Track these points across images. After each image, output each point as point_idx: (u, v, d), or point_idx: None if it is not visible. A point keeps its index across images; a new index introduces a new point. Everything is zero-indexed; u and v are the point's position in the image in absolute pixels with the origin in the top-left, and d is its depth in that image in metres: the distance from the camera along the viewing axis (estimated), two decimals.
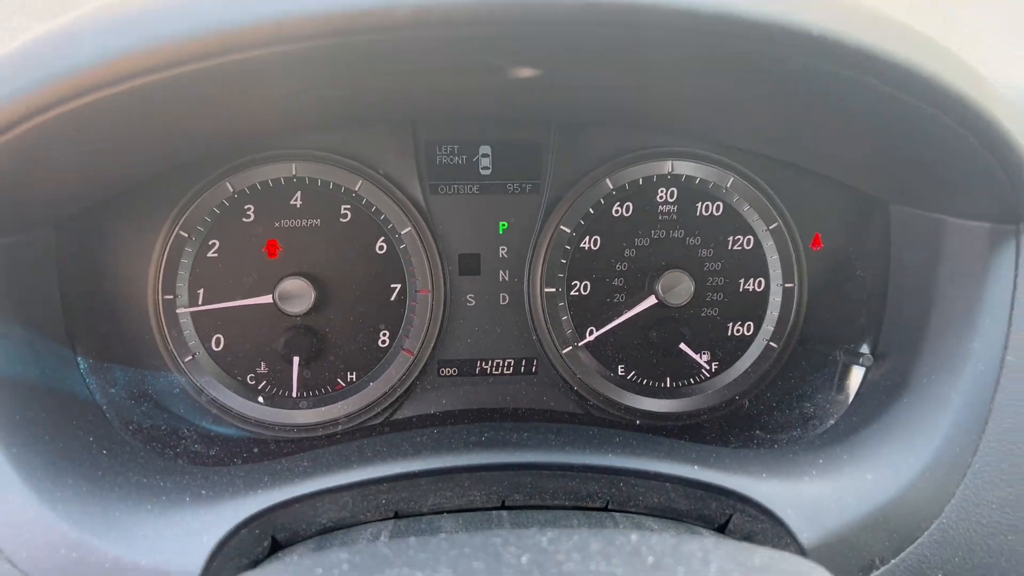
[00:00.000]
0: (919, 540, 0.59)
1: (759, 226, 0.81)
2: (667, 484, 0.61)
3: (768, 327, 0.82)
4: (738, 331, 0.82)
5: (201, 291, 0.78)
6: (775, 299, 0.82)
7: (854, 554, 0.56)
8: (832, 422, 0.72)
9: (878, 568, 0.58)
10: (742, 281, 0.82)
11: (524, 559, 0.40)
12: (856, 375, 0.75)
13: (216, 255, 0.79)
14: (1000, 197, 0.60)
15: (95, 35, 0.44)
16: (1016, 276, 0.62)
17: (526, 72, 0.51)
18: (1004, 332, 0.61)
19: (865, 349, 0.74)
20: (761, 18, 0.43)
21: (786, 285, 0.81)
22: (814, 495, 0.60)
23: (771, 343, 0.82)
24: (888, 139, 0.62)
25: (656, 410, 0.82)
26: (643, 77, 0.57)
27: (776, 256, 0.81)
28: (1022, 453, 0.59)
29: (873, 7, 0.50)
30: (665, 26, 0.42)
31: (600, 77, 0.58)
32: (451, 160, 0.81)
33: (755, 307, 0.82)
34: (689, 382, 0.83)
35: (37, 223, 0.67)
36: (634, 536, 0.43)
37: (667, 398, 0.82)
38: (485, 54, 0.47)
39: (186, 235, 0.77)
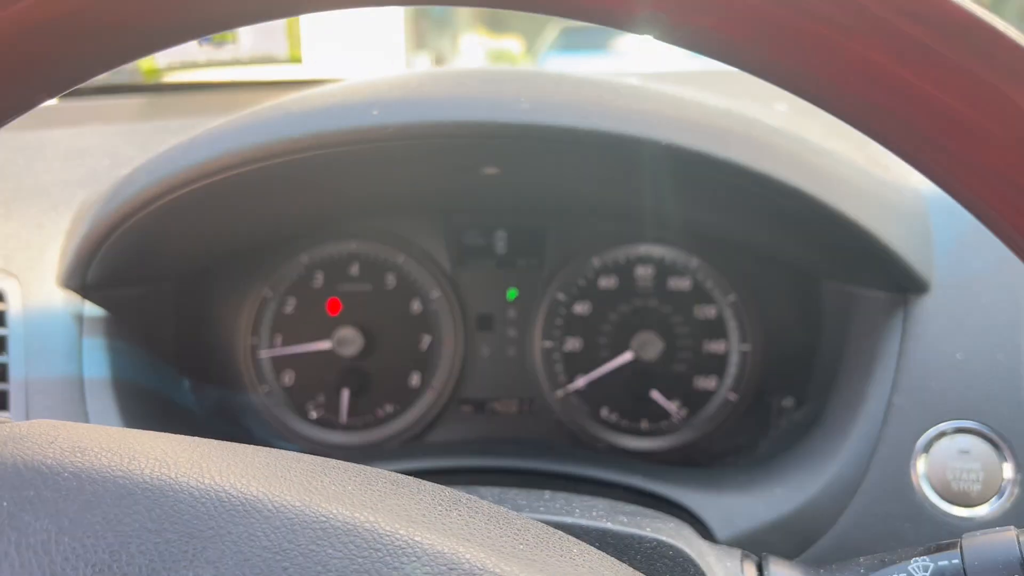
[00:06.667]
0: (817, 543, 0.74)
1: (720, 299, 1.00)
2: (617, 489, 0.79)
3: (728, 382, 0.99)
4: (703, 385, 1.00)
5: (279, 337, 1.02)
6: (734, 359, 0.99)
7: (761, 551, 0.71)
8: (757, 452, 0.88)
9: None
10: (706, 343, 1.00)
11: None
12: (782, 416, 0.91)
13: (291, 311, 1.03)
14: (886, 273, 0.78)
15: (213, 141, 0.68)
16: (903, 332, 0.78)
17: (491, 170, 0.74)
18: (892, 378, 0.77)
19: (790, 399, 0.92)
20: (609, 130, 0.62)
21: (742, 347, 0.99)
22: (731, 502, 0.76)
23: (730, 395, 0.99)
24: (796, 227, 0.82)
25: (631, 447, 0.99)
26: (592, 180, 0.79)
27: (734, 323, 0.99)
28: (902, 475, 0.75)
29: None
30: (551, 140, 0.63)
31: (560, 178, 0.80)
32: (474, 241, 1.03)
33: (717, 365, 1.00)
34: (660, 425, 1.00)
35: (163, 279, 0.93)
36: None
37: (642, 436, 1.00)
38: (456, 157, 0.70)
39: (271, 294, 1.02)
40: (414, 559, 0.28)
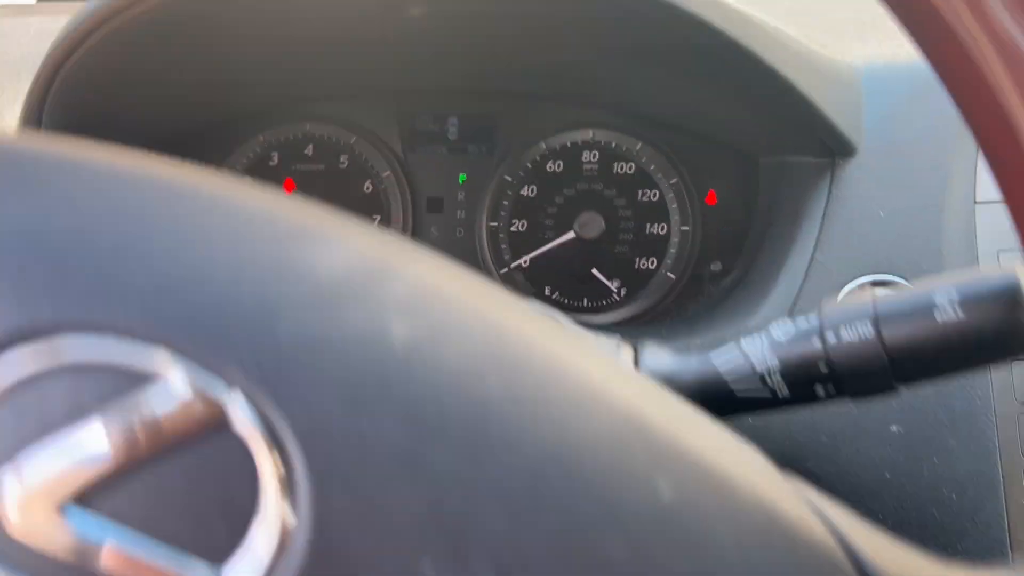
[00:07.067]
0: None
1: (662, 182, 1.02)
2: None
3: (668, 262, 1.02)
4: (643, 265, 1.03)
5: None
6: (675, 240, 1.02)
7: None
8: (687, 315, 0.91)
9: None
10: (648, 225, 1.03)
11: None
12: (712, 283, 0.95)
13: None
14: (813, 133, 0.80)
15: None
16: (829, 194, 0.81)
17: (416, 11, 0.76)
18: (815, 237, 0.80)
19: (718, 264, 0.95)
20: None
21: (683, 228, 1.02)
22: (651, 353, 0.79)
23: (669, 274, 1.02)
24: (724, 83, 0.84)
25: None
26: (522, 36, 0.81)
27: (676, 206, 1.02)
28: None
29: None
30: None
31: (491, 33, 0.83)
32: (426, 127, 1.06)
33: (658, 246, 1.03)
34: (602, 304, 1.04)
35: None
36: None
37: (583, 313, 1.03)
38: None
39: (228, 172, 1.04)
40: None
